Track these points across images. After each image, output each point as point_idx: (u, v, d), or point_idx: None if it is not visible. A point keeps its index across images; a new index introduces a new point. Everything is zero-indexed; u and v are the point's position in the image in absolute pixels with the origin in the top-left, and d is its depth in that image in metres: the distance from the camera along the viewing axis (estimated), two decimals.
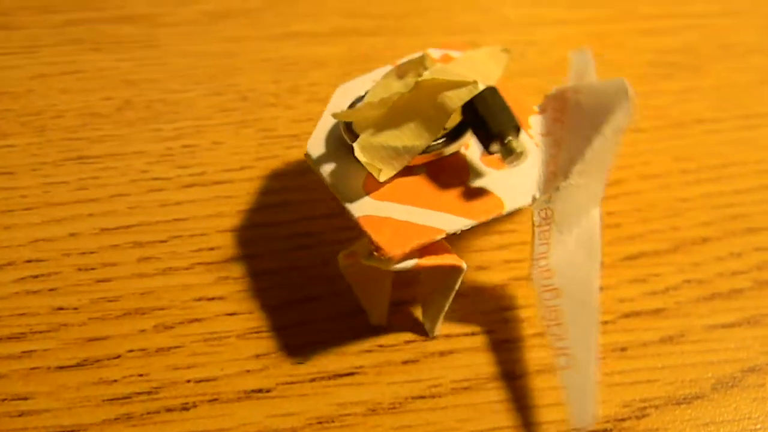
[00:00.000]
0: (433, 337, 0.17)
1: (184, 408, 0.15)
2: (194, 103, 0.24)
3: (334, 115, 0.16)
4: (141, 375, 0.16)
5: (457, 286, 0.15)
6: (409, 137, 0.15)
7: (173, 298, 0.17)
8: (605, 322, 0.17)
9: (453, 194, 0.15)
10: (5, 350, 0.16)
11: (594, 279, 0.15)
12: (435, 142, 0.15)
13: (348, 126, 0.16)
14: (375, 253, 0.14)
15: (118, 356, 0.16)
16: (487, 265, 0.18)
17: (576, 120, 0.16)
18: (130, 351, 0.16)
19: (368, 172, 0.15)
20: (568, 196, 0.15)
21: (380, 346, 0.16)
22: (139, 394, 0.15)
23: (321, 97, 0.24)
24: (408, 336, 0.17)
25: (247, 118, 0.23)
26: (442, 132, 0.15)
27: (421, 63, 0.16)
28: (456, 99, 0.15)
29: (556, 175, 0.15)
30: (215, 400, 0.15)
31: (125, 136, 0.22)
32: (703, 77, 0.26)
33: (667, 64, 0.26)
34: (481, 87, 0.15)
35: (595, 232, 0.16)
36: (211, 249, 0.18)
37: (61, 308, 0.17)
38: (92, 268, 0.18)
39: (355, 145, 0.15)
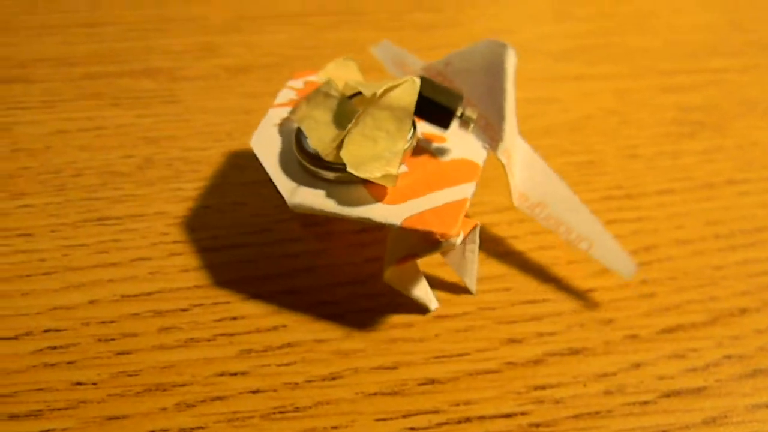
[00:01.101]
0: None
1: None
2: (214, 161, 0.23)
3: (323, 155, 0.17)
4: None
5: (478, 240, 0.17)
6: (389, 142, 0.17)
7: (195, 373, 0.16)
8: (645, 402, 0.16)
9: (439, 173, 0.17)
10: (22, 429, 0.15)
11: (554, 177, 0.19)
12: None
13: (314, 158, 0.17)
14: (442, 240, 0.16)
15: None
16: (520, 338, 0.18)
17: (468, 82, 0.19)
18: None
19: (366, 186, 0.17)
20: (507, 138, 0.18)
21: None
22: None
23: None
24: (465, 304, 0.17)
25: (266, 177, 0.23)
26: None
27: (332, 87, 0.18)
28: (410, 95, 0.17)
29: (489, 126, 0.19)
30: None
31: (146, 196, 0.22)
32: (726, 136, 0.25)
33: (691, 122, 0.26)
34: (416, 80, 0.17)
35: (529, 151, 0.20)
36: (234, 318, 0.18)
37: (79, 383, 0.16)
38: (112, 339, 0.17)
39: (350, 169, 0.16)
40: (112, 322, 0.18)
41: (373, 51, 0.22)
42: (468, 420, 0.16)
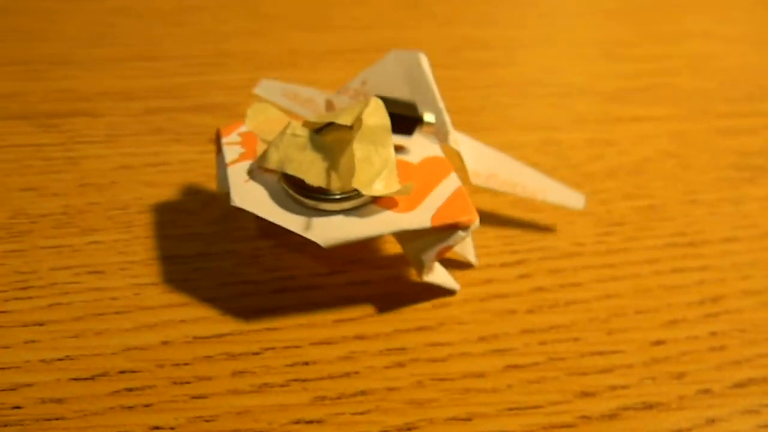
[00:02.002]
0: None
1: None
2: None
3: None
4: None
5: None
6: (382, 158, 0.18)
7: (271, 420, 0.17)
8: None
9: (422, 174, 0.19)
10: None
11: (494, 151, 0.22)
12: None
13: (320, 194, 0.18)
14: (469, 226, 0.18)
15: None
16: (592, 391, 0.17)
17: (393, 93, 0.21)
18: None
19: (376, 204, 0.18)
20: (450, 129, 0.20)
21: None
22: None
23: None
24: (535, 354, 0.16)
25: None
26: None
27: (295, 127, 0.19)
28: (381, 113, 0.19)
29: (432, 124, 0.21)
30: None
31: (213, 235, 0.22)
32: None
33: (751, 167, 0.26)
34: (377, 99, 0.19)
35: (465, 137, 0.22)
36: (305, 363, 0.18)
37: (157, 427, 0.16)
38: (187, 382, 0.17)
39: (368, 193, 0.17)
40: (186, 364, 0.18)
41: (257, 91, 0.24)
42: None
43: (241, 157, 0.19)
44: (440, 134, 0.20)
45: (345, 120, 0.18)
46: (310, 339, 0.19)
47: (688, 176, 0.25)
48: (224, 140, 0.20)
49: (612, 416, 0.17)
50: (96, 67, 0.32)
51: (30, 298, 0.20)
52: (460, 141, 0.21)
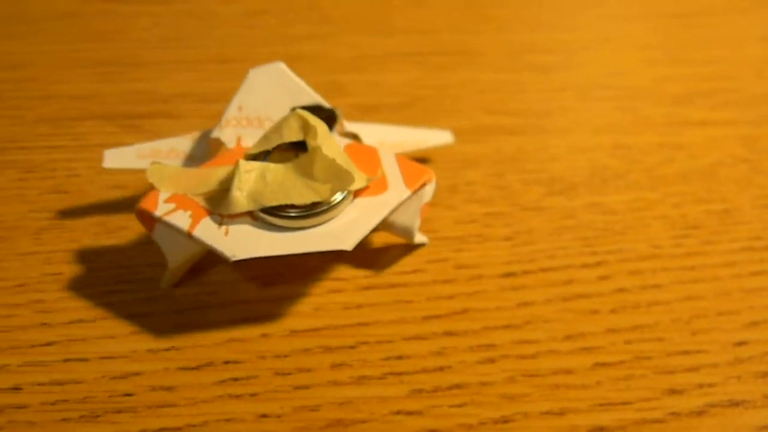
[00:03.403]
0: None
1: None
2: None
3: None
4: None
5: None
6: (337, 156, 0.19)
7: (372, 411, 0.17)
8: None
9: (360, 158, 0.21)
10: None
11: (368, 125, 0.25)
12: None
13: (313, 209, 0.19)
14: (433, 179, 0.20)
15: None
16: (680, 389, 0.18)
17: (274, 106, 0.22)
18: None
19: (356, 195, 0.19)
20: (340, 117, 0.22)
21: None
22: None
23: (479, 197, 0.24)
24: (621, 353, 0.17)
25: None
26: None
27: (244, 164, 0.19)
28: (312, 118, 0.20)
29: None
30: None
31: None
32: None
33: None
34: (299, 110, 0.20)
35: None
36: (399, 357, 0.19)
37: (265, 415, 0.17)
38: (288, 373, 0.18)
39: (352, 187, 0.19)
40: (285, 356, 0.19)
41: (106, 165, 0.22)
42: None
43: (194, 219, 0.19)
44: (338, 125, 0.22)
45: (293, 137, 0.20)
46: (401, 334, 0.19)
47: (761, 180, 0.25)
48: (159, 213, 0.19)
49: (700, 413, 0.17)
50: (169, 70, 0.33)
51: (131, 291, 0.21)
52: (349, 126, 0.23)
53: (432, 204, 0.24)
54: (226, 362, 0.19)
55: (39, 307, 0.20)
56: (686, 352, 0.19)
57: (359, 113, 0.29)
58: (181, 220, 0.19)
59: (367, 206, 0.19)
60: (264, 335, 0.19)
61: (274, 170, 0.19)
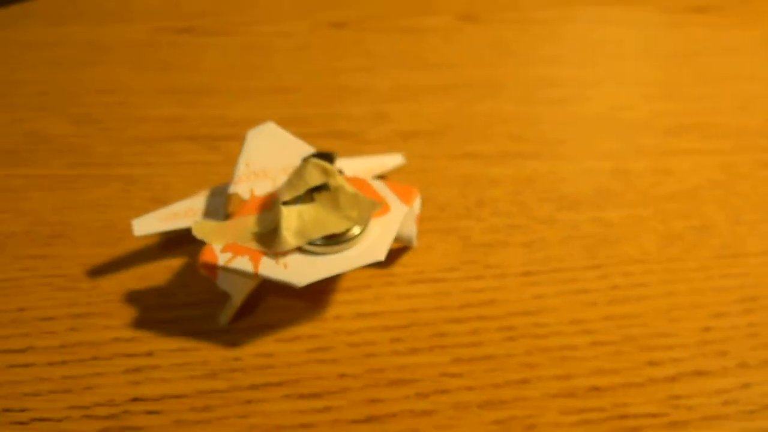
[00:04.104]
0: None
1: None
2: None
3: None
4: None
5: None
6: (350, 187, 0.24)
7: (423, 373, 0.23)
8: None
9: (359, 187, 0.25)
10: (310, 405, 0.22)
11: (345, 160, 0.29)
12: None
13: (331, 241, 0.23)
14: (419, 194, 0.26)
15: (394, 415, 0.22)
16: (657, 361, 0.24)
17: (278, 159, 0.26)
18: (401, 411, 0.22)
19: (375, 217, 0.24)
20: (336, 157, 0.27)
21: None
22: None
23: (502, 211, 0.30)
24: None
25: (448, 226, 0.29)
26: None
27: (284, 209, 0.23)
28: (324, 162, 0.25)
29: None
30: None
31: None
32: None
33: None
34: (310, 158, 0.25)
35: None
36: (443, 335, 0.24)
37: (343, 375, 0.23)
38: (358, 345, 0.24)
39: (376, 211, 0.24)
40: (355, 332, 0.25)
41: (137, 233, 0.25)
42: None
43: (253, 261, 0.22)
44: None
45: (317, 181, 0.24)
46: (443, 318, 0.25)
47: (734, 201, 0.31)
48: (222, 263, 0.22)
49: (672, 379, 0.23)
50: (236, 97, 0.39)
51: None
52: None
53: (463, 216, 0.30)
54: (311, 336, 0.24)
55: (161, 291, 0.26)
56: (664, 335, 0.25)
57: (401, 139, 0.35)
58: (243, 264, 0.22)
59: (381, 225, 0.24)
60: (337, 317, 0.25)
61: (308, 209, 0.23)
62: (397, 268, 0.27)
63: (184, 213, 0.25)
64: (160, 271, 0.27)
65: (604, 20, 0.46)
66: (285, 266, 0.22)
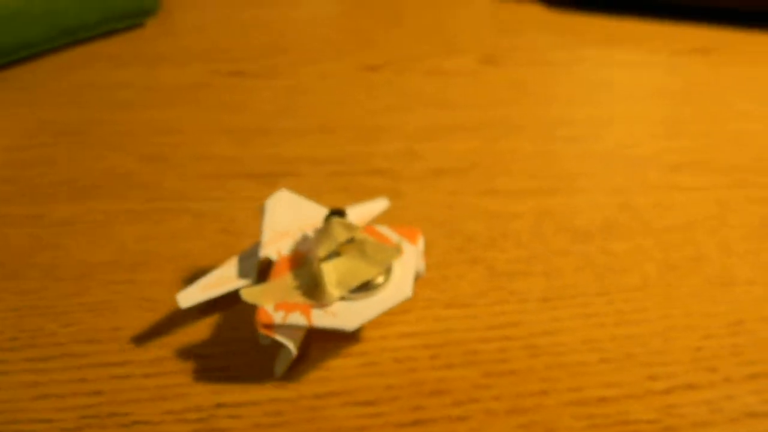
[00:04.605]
0: None
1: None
2: (437, 243, 0.35)
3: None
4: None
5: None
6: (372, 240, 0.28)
7: (458, 385, 0.28)
8: None
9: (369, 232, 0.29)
10: (364, 412, 0.27)
11: (351, 208, 0.33)
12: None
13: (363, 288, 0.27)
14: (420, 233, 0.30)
15: (435, 420, 0.27)
16: (654, 376, 0.28)
17: (297, 217, 0.30)
18: (440, 417, 0.27)
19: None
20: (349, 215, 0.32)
21: None
22: None
23: (523, 242, 0.35)
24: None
25: (476, 256, 0.34)
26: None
27: (322, 266, 0.27)
28: (343, 219, 0.28)
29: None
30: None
31: None
32: None
33: None
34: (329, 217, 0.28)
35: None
36: (474, 353, 0.29)
37: (390, 386, 0.28)
38: (401, 361, 0.29)
39: (397, 257, 0.27)
40: (398, 350, 0.29)
41: (183, 306, 0.28)
42: None
43: (305, 315, 0.26)
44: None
45: (344, 237, 0.27)
46: (473, 338, 0.30)
47: (726, 232, 0.36)
48: (279, 321, 0.25)
49: (666, 391, 0.27)
50: (286, 137, 0.44)
51: None
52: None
53: (489, 247, 0.35)
54: (361, 353, 0.29)
55: (234, 313, 0.31)
56: (661, 353, 0.29)
57: (433, 176, 0.40)
58: (297, 319, 0.25)
59: (400, 265, 0.27)
60: (383, 337, 0.30)
61: (341, 262, 0.26)
62: (433, 294, 0.32)
63: (221, 281, 0.28)
64: (233, 296, 0.32)
65: (613, 62, 0.50)
66: (333, 315, 0.25)
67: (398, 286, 0.27)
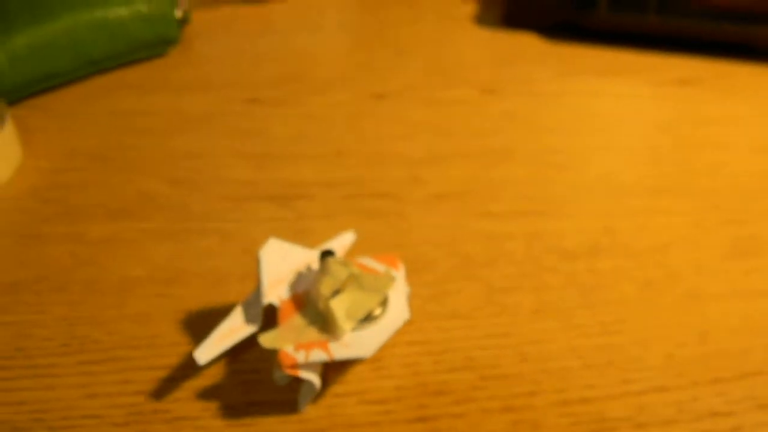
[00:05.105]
0: None
1: None
2: (439, 262, 0.39)
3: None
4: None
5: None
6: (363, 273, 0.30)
7: (458, 386, 0.32)
8: None
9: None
10: (376, 409, 0.31)
11: (332, 240, 0.35)
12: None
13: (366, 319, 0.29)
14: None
15: (437, 417, 0.30)
16: (629, 380, 0.32)
17: (288, 264, 0.32)
18: (442, 414, 0.31)
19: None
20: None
21: None
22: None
23: (516, 261, 0.39)
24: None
25: (473, 273, 0.38)
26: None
27: (331, 303, 0.28)
28: (338, 260, 0.30)
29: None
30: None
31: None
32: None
33: (743, 246, 0.40)
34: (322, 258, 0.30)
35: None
36: (471, 358, 0.33)
37: (399, 387, 0.32)
38: (408, 365, 0.33)
39: (391, 286, 0.29)
40: (406, 356, 0.33)
41: (201, 363, 0.29)
42: None
43: (324, 350, 0.28)
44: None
45: (342, 275, 0.29)
46: (472, 345, 0.34)
47: (698, 254, 0.40)
48: (302, 361, 0.27)
49: (640, 393, 0.31)
50: (302, 162, 0.48)
51: None
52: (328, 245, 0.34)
53: (486, 265, 0.39)
54: (373, 359, 0.33)
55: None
56: (636, 359, 0.33)
57: (436, 200, 0.44)
58: (319, 355, 0.27)
59: (392, 291, 0.30)
60: (393, 345, 0.34)
61: (345, 297, 0.28)
62: (436, 308, 0.36)
63: (232, 331, 0.30)
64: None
65: (600, 92, 0.55)
66: (347, 346, 0.28)
67: (396, 310, 0.30)
